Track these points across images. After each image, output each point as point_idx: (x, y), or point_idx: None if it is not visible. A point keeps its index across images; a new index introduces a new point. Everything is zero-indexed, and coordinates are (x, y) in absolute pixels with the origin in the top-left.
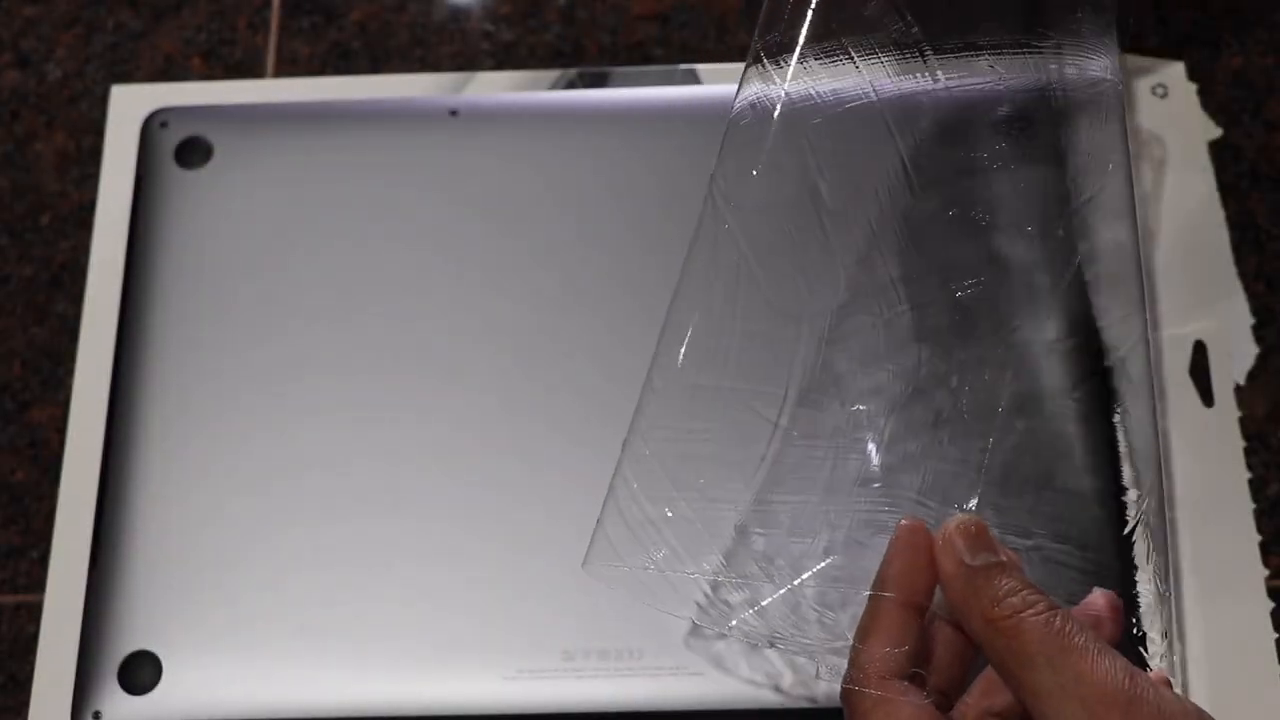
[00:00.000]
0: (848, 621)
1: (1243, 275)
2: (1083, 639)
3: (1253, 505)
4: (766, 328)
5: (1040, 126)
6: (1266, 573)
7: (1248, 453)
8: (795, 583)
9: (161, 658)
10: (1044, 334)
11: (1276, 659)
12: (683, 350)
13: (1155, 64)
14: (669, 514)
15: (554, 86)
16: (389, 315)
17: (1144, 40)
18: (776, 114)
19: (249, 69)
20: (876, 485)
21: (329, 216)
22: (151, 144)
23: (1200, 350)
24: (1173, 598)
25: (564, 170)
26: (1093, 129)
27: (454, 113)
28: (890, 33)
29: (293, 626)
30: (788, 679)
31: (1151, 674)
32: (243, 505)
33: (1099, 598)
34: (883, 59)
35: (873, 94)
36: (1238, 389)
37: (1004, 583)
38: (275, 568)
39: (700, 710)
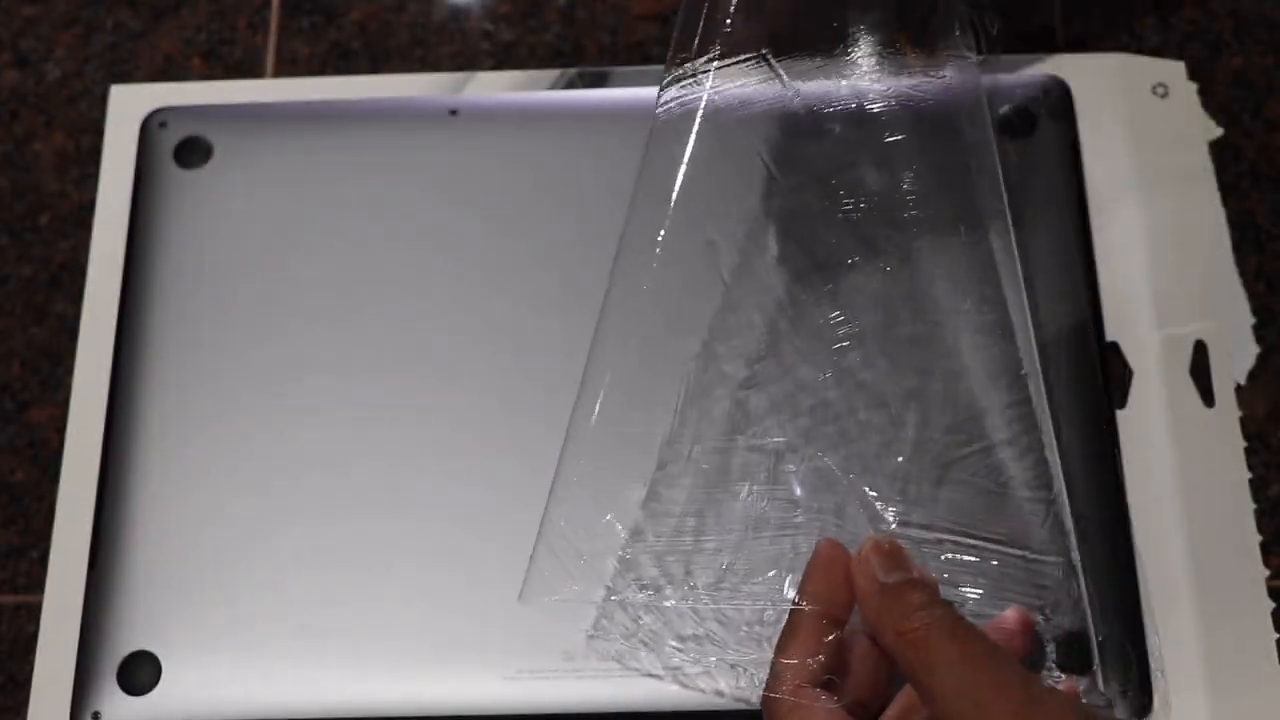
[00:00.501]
0: (768, 635)
1: (1243, 275)
2: (984, 648)
3: (1253, 505)
4: (670, 370)
5: (907, 128)
6: (1267, 573)
7: (1248, 453)
8: (723, 605)
9: (161, 658)
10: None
11: (1277, 659)
12: (599, 401)
13: (1156, 64)
14: (595, 548)
15: (554, 86)
16: (389, 315)
17: (1144, 40)
18: (678, 186)
19: (249, 69)
20: (788, 508)
21: (329, 216)
22: (151, 144)
23: (1201, 350)
24: (1082, 574)
25: (564, 170)
26: (956, 130)
27: (454, 112)
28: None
29: (292, 626)
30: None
31: (1061, 685)
32: (242, 505)
33: (1011, 613)
34: (738, 78)
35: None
36: (1238, 389)
37: (915, 598)
38: (275, 568)
39: (700, 711)
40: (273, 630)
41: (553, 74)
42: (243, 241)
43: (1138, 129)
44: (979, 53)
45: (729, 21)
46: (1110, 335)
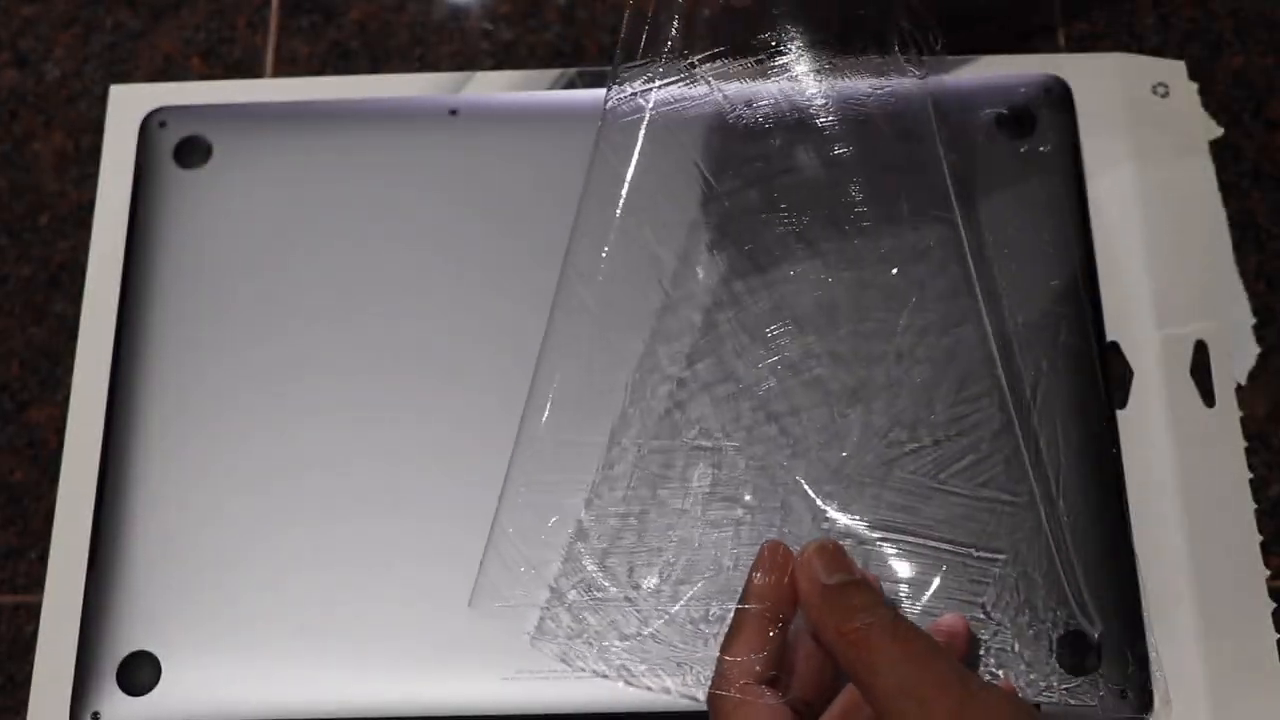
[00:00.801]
0: (713, 632)
1: (1244, 275)
2: (923, 645)
3: (1254, 505)
4: (615, 374)
5: (850, 136)
6: (1268, 573)
7: (1249, 453)
8: (666, 603)
9: (160, 658)
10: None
11: (1277, 659)
12: (546, 410)
13: (1156, 63)
14: (541, 554)
15: (554, 86)
16: (388, 315)
17: (1145, 40)
18: (623, 196)
19: (248, 68)
20: (730, 507)
21: (328, 216)
22: (150, 143)
23: (1201, 350)
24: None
25: (564, 170)
26: (900, 137)
27: (453, 112)
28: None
29: (292, 627)
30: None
31: (1000, 683)
32: (242, 505)
33: (951, 618)
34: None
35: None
36: (1239, 389)
37: (857, 599)
38: (274, 568)
39: (701, 711)
40: (272, 630)
41: (553, 74)
42: (242, 241)
43: (1138, 129)
44: (921, 64)
45: (674, 30)
46: (1110, 335)
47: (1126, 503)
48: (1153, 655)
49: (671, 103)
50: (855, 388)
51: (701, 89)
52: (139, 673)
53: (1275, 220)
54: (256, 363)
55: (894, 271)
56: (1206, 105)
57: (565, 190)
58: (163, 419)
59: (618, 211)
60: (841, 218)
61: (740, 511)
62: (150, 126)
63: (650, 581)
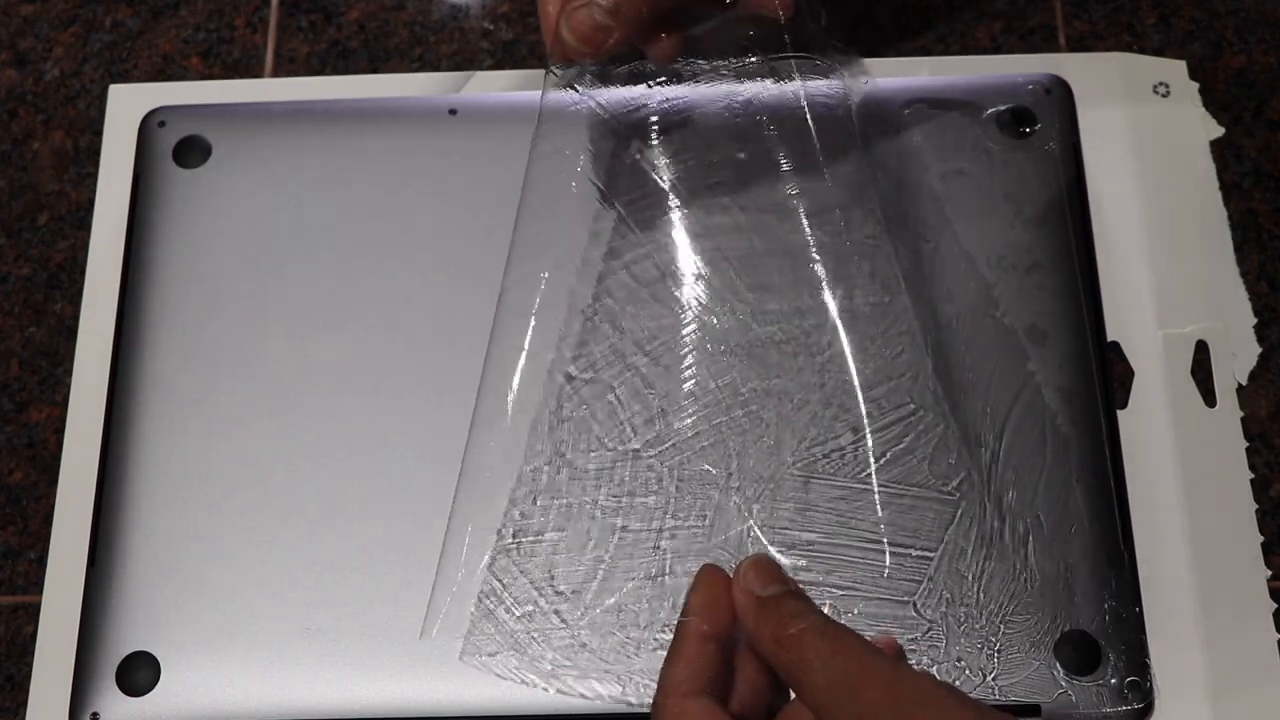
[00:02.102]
0: (641, 639)
1: (1245, 275)
2: (854, 642)
3: (1255, 506)
4: (532, 394)
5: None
6: (1269, 573)
7: (1250, 453)
8: (595, 610)
9: (160, 659)
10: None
11: (1278, 659)
12: (490, 427)
13: (1157, 63)
14: (476, 572)
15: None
16: (388, 315)
17: (1146, 39)
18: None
19: (247, 68)
20: (652, 516)
21: (328, 216)
22: (150, 143)
23: (1202, 350)
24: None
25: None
26: (831, 138)
27: (453, 112)
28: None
29: (292, 627)
30: None
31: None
32: (241, 506)
33: (881, 638)
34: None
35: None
36: (1240, 389)
37: (790, 607)
38: (274, 568)
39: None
40: (272, 631)
41: None
42: (242, 241)
43: (1139, 128)
44: (837, 65)
45: None
46: (1111, 335)
47: (1127, 503)
48: (1153, 655)
49: (602, 99)
50: (777, 391)
51: (627, 87)
52: (138, 673)
53: (1276, 220)
54: (256, 362)
55: (816, 268)
56: (1208, 105)
57: None
58: (162, 419)
59: (516, 222)
60: (766, 216)
61: (666, 519)
62: (149, 126)
63: (579, 593)
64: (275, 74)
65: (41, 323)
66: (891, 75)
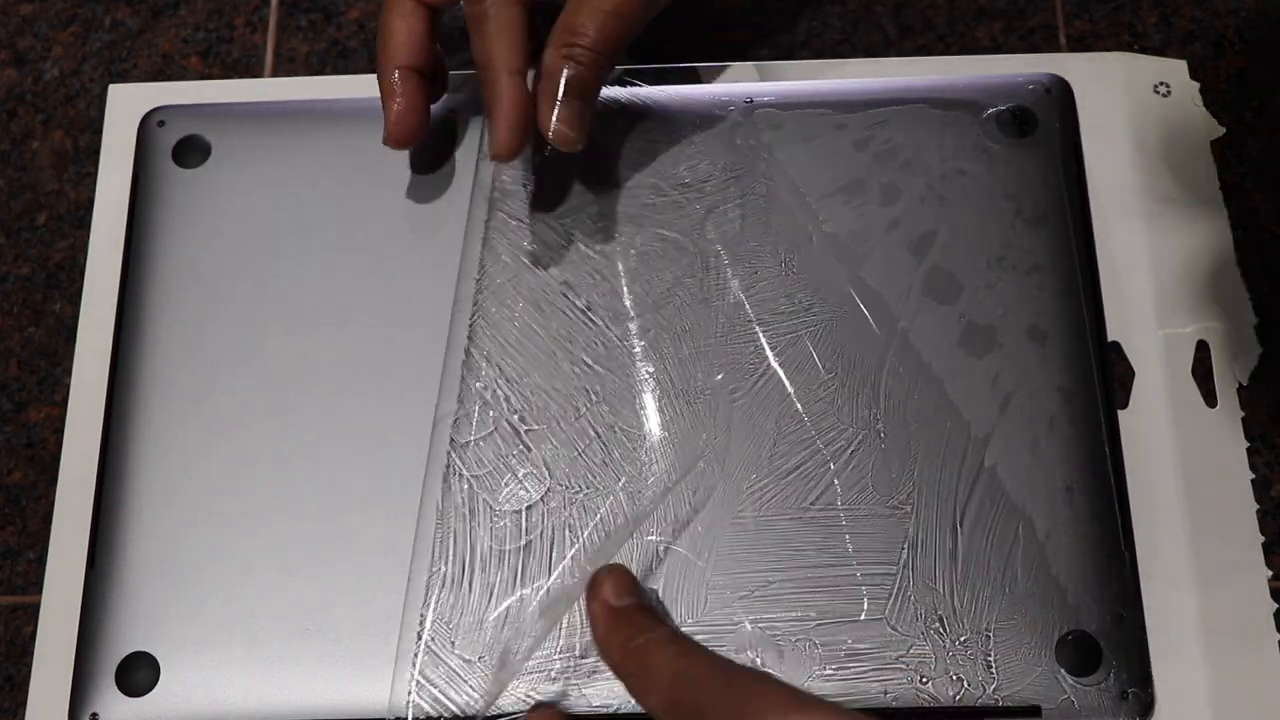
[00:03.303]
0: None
1: (1246, 275)
2: (695, 645)
3: (1255, 506)
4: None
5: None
6: (1269, 574)
7: (1251, 453)
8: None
9: (159, 659)
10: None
11: (1279, 659)
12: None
13: (1158, 62)
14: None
15: None
16: (387, 314)
17: (1146, 39)
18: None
19: (247, 67)
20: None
21: (327, 215)
22: (149, 143)
23: (1203, 350)
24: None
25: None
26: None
27: (452, 111)
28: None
29: (291, 627)
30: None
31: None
32: (241, 506)
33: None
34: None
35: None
36: (1241, 389)
37: (639, 619)
38: (274, 568)
39: None
40: (272, 631)
41: None
42: (242, 241)
43: (1140, 128)
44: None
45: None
46: (1112, 335)
47: (1127, 503)
48: (1153, 656)
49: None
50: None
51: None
52: (138, 673)
53: (1277, 220)
54: (256, 362)
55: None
56: (1208, 104)
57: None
58: (162, 419)
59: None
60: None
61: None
62: (149, 126)
63: (507, 653)
64: (275, 74)
65: (41, 322)
66: (891, 75)
